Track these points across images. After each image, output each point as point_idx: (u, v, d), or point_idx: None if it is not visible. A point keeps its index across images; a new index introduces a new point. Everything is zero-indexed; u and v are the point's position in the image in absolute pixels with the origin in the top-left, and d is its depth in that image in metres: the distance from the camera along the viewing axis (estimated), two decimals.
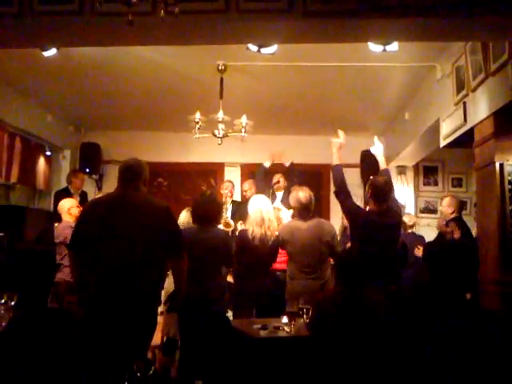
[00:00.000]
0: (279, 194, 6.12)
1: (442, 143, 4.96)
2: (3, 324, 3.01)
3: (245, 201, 5.14)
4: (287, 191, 6.02)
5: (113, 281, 2.87)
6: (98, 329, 2.82)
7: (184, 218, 4.48)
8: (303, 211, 4.26)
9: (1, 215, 6.05)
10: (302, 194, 4.27)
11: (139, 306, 2.86)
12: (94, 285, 2.92)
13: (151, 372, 1.64)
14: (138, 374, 1.61)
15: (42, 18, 3.03)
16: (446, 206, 5.16)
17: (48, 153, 7.28)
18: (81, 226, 3.07)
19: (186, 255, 3.14)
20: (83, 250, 2.99)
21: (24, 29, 3.11)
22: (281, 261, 4.50)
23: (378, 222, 3.80)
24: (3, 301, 3.24)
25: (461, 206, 5.07)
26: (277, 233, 4.28)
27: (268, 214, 4.28)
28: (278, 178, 6.20)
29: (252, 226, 4.22)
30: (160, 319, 4.24)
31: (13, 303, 3.26)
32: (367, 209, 4.08)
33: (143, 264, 2.90)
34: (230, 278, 4.52)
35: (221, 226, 4.77)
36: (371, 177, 4.13)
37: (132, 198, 3.02)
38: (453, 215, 5.06)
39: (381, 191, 3.90)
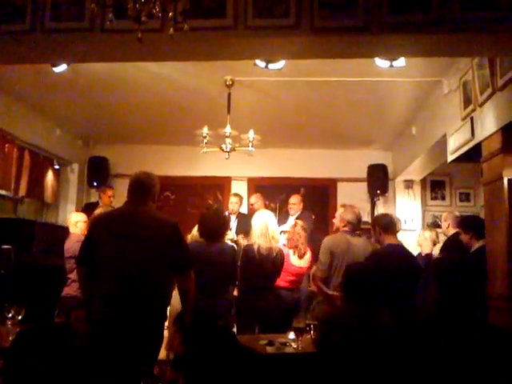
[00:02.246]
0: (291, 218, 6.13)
1: (450, 158, 4.94)
2: (10, 338, 3.01)
3: (252, 214, 5.15)
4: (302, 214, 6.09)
5: (120, 296, 2.86)
6: (105, 344, 2.81)
7: (196, 231, 4.51)
8: (355, 227, 4.29)
9: (9, 228, 6.06)
10: (357, 210, 4.35)
11: (145, 321, 2.85)
12: (101, 300, 2.92)
13: None
14: None
15: (53, 35, 3.08)
16: (443, 221, 5.26)
17: (56, 166, 7.32)
18: (89, 241, 3.05)
19: (194, 273, 3.12)
20: (91, 265, 2.98)
21: (35, 45, 3.16)
22: (286, 280, 4.49)
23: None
24: (10, 315, 3.26)
25: (457, 220, 4.97)
26: (281, 245, 4.29)
27: (273, 227, 4.29)
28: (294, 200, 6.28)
29: (257, 239, 4.23)
30: (165, 334, 4.24)
31: (20, 317, 3.28)
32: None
33: (150, 280, 2.89)
34: (236, 293, 4.51)
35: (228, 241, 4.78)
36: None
37: (141, 214, 3.01)
38: (450, 230, 5.07)
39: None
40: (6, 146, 5.92)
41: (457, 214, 5.36)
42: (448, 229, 5.11)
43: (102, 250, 2.94)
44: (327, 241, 4.28)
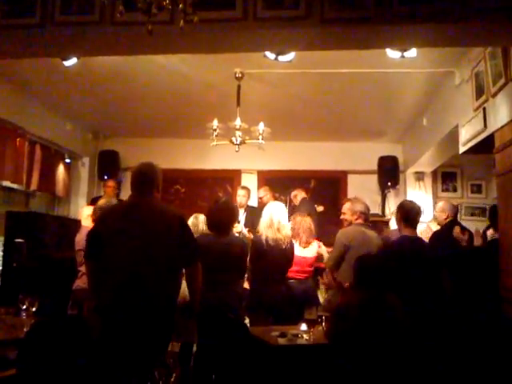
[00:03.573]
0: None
1: (462, 149, 4.90)
2: (25, 330, 3.05)
3: (261, 207, 5.15)
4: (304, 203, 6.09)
5: (127, 288, 2.87)
6: (116, 335, 2.83)
7: (189, 225, 4.53)
8: (368, 218, 4.27)
9: (21, 222, 6.12)
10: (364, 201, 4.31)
11: (154, 312, 2.86)
12: (108, 292, 2.93)
13: (173, 379, 1.64)
14: (160, 382, 1.60)
15: (63, 28, 3.09)
16: (440, 212, 4.85)
17: (67, 160, 7.37)
18: (95, 235, 3.05)
19: (201, 263, 3.12)
20: (98, 258, 2.99)
21: (46, 39, 3.17)
22: (293, 270, 4.50)
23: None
24: (25, 307, 3.30)
25: (455, 210, 4.85)
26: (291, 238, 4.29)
27: (279, 218, 4.29)
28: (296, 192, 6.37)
29: (264, 230, 4.25)
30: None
31: (34, 309, 3.32)
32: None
33: (157, 271, 2.90)
34: (246, 285, 4.52)
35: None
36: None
37: (146, 206, 3.00)
38: (447, 220, 4.76)
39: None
40: (18, 140, 5.97)
41: (454, 202, 5.11)
42: (446, 220, 4.76)
43: (108, 243, 2.94)
44: (341, 234, 4.27)
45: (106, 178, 7.39)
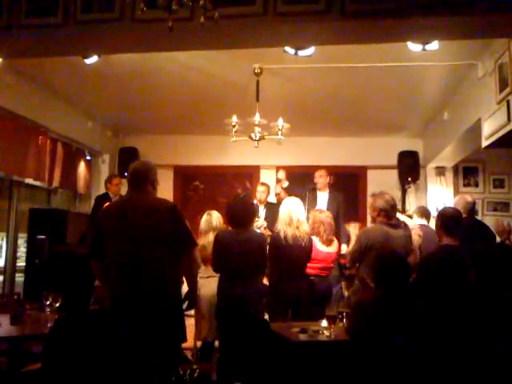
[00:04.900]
0: (323, 195, 5.96)
1: (484, 143, 4.82)
2: (49, 325, 3.09)
3: (279, 203, 5.11)
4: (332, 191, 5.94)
5: (128, 281, 2.96)
6: (121, 333, 2.87)
7: (203, 221, 4.60)
8: (390, 214, 4.01)
9: (43, 219, 6.22)
10: (388, 196, 4.00)
11: (158, 303, 2.92)
12: (113, 286, 3.04)
13: (196, 375, 1.65)
14: (185, 378, 1.62)
15: (84, 27, 3.12)
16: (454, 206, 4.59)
17: (88, 157, 7.45)
18: (97, 233, 3.17)
19: (221, 259, 3.16)
20: (102, 256, 3.08)
21: (67, 37, 3.21)
22: (315, 267, 4.49)
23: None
24: (48, 302, 3.35)
25: (469, 206, 4.58)
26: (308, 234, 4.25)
27: (297, 215, 4.27)
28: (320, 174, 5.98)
29: (283, 227, 4.23)
30: (192, 321, 4.30)
31: (57, 305, 3.37)
32: None
33: (155, 262, 2.98)
34: (265, 281, 4.53)
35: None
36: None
37: (139, 200, 3.11)
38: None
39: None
40: (40, 138, 6.05)
41: (469, 198, 4.75)
42: None
43: (108, 239, 3.06)
44: (362, 233, 4.20)
45: (126, 175, 7.44)
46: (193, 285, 3.24)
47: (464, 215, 4.48)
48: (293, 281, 4.17)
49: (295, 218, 4.24)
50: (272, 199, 6.67)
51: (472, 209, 4.71)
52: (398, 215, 4.32)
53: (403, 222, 4.20)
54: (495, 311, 2.41)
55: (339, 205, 5.70)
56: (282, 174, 6.40)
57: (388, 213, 3.99)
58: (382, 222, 4.01)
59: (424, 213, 5.25)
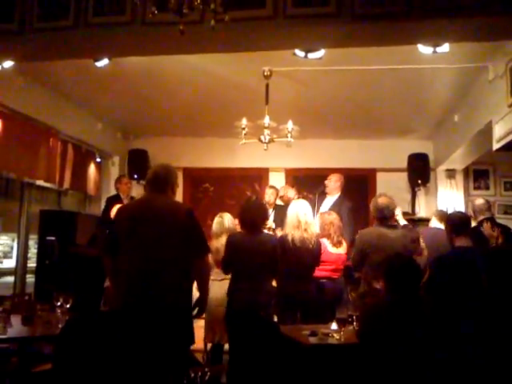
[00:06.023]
0: (330, 199, 5.96)
1: (495, 146, 4.79)
2: (59, 326, 3.12)
3: (287, 205, 5.11)
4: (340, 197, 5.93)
5: (140, 282, 2.96)
6: (130, 330, 2.88)
7: (215, 224, 4.65)
8: (384, 217, 4.03)
9: (53, 220, 6.26)
10: (382, 199, 4.04)
11: (169, 305, 2.92)
12: (123, 286, 3.03)
13: (207, 378, 1.65)
14: (196, 381, 1.62)
15: (95, 30, 3.14)
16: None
17: (98, 159, 7.49)
18: (112, 231, 3.19)
19: (233, 261, 3.16)
20: (115, 255, 3.09)
21: (79, 40, 3.23)
22: (326, 269, 4.48)
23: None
24: (59, 303, 3.37)
25: (477, 208, 4.57)
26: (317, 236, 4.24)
27: (305, 217, 4.27)
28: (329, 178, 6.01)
29: (290, 230, 4.23)
30: (200, 323, 4.30)
31: (68, 306, 3.39)
32: None
33: (168, 265, 2.98)
34: (274, 283, 4.52)
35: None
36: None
37: (156, 203, 3.12)
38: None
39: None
40: (51, 139, 6.09)
41: (481, 201, 4.68)
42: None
43: (123, 238, 3.06)
44: (359, 237, 4.20)
45: (136, 176, 7.49)
46: (203, 291, 3.22)
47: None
48: (301, 283, 4.17)
49: (303, 220, 4.24)
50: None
51: (479, 211, 4.64)
52: (399, 218, 4.34)
53: (409, 225, 4.24)
54: (508, 312, 2.40)
55: (342, 213, 5.47)
56: (291, 193, 6.33)
57: (383, 214, 4.02)
58: (377, 223, 4.08)
59: (443, 217, 5.18)
